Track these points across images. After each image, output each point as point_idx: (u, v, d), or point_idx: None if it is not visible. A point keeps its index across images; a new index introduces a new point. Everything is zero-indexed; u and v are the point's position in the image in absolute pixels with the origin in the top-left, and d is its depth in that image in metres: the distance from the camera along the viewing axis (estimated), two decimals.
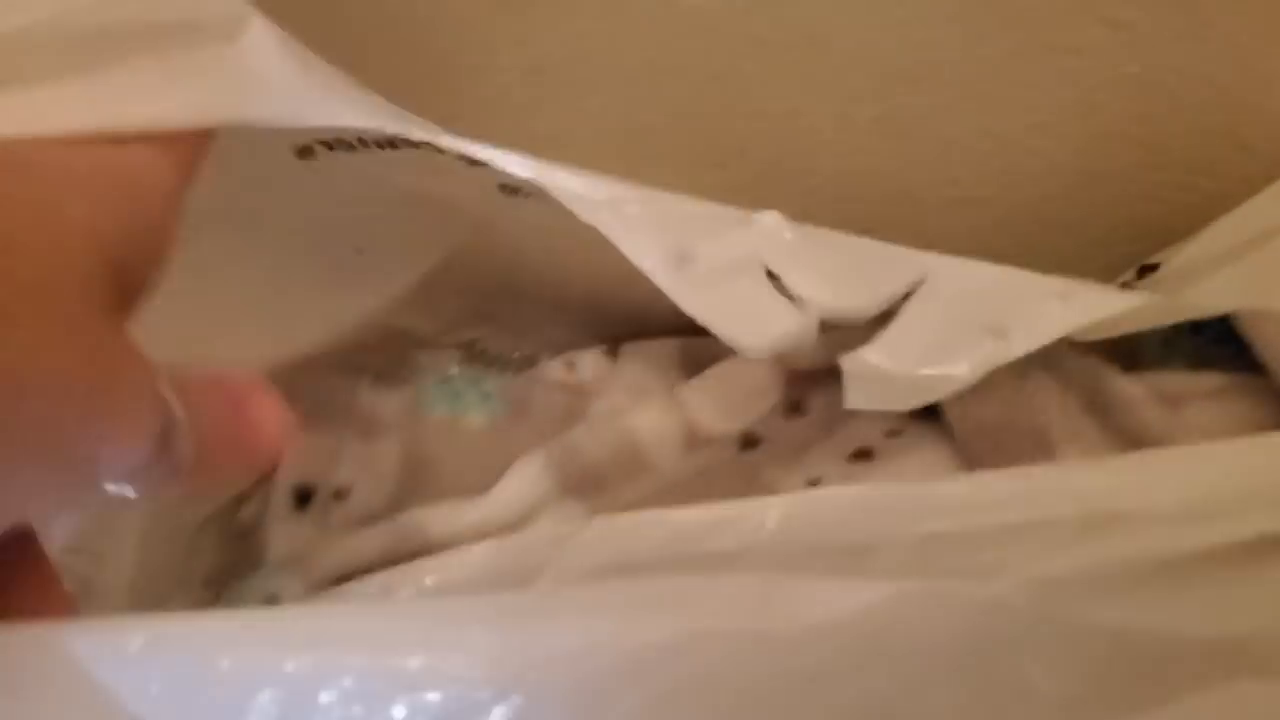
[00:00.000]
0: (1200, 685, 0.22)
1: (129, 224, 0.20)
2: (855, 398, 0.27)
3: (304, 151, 0.32)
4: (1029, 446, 0.32)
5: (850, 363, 0.27)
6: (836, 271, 0.27)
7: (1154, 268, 0.35)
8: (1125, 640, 0.22)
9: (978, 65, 0.36)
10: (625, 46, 0.39)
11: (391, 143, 0.31)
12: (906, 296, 0.27)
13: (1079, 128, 0.37)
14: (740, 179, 0.43)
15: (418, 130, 0.26)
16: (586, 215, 0.26)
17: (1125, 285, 0.36)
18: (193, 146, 0.24)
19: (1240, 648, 0.23)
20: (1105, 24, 0.34)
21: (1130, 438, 0.32)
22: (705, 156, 0.43)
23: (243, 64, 0.25)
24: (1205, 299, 0.29)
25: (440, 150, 0.31)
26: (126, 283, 0.20)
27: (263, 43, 0.26)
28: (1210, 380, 0.33)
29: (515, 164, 0.26)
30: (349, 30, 0.40)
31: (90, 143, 0.21)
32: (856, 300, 0.26)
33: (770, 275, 0.27)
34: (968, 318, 0.26)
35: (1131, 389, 0.32)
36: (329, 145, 0.31)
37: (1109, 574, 0.23)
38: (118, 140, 0.22)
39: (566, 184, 0.26)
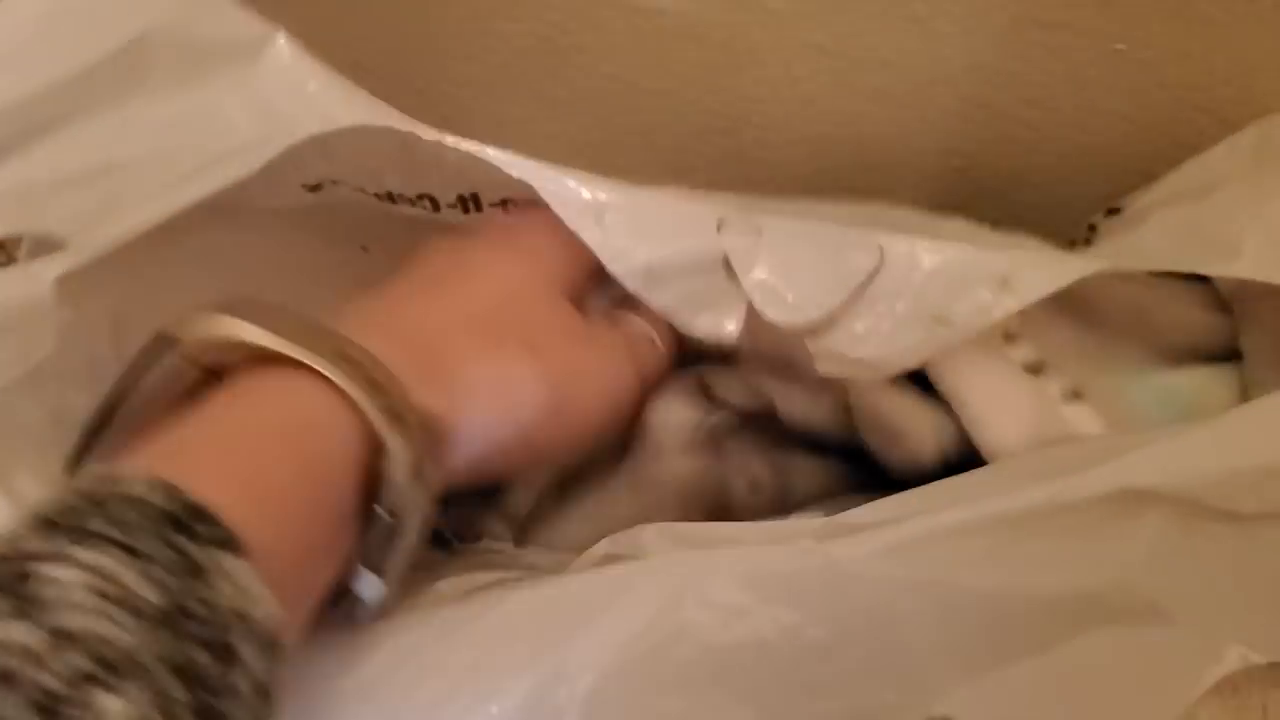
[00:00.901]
0: (1065, 636, 0.25)
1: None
2: (826, 369, 0.31)
3: (314, 188, 0.34)
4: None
5: (816, 346, 0.30)
6: (794, 280, 0.29)
7: (1118, 210, 0.37)
8: (995, 600, 0.25)
9: (973, 39, 0.38)
10: (637, 15, 0.40)
11: (390, 197, 0.34)
12: (866, 282, 0.29)
13: (1070, 102, 0.39)
14: (745, 144, 0.45)
15: (425, 131, 0.28)
16: (571, 221, 0.28)
17: (1091, 226, 0.38)
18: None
19: (1098, 600, 0.25)
20: (1095, 2, 0.36)
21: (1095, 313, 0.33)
22: (712, 123, 0.44)
23: (266, 82, 0.29)
24: (1135, 260, 0.31)
25: (436, 207, 0.33)
26: None
27: (282, 60, 0.29)
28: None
29: (512, 166, 0.29)
30: (366, 4, 0.42)
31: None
32: (808, 312, 0.29)
33: (731, 273, 0.29)
34: (917, 309, 0.29)
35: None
36: (335, 182, 0.34)
37: (974, 536, 0.25)
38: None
39: (555, 190, 0.29)
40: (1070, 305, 0.33)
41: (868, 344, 0.29)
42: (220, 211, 0.35)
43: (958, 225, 0.37)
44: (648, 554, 0.27)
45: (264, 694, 0.18)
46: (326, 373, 0.22)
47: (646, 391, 0.33)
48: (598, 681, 0.24)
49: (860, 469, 0.38)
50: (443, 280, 0.29)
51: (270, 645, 0.19)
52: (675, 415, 0.34)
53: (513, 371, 0.27)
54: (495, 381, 0.27)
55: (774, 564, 0.25)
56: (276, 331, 0.23)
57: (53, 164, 0.28)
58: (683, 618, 0.24)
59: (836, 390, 0.33)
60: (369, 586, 0.24)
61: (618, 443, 0.36)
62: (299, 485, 0.21)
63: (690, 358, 0.35)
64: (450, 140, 0.28)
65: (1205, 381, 0.33)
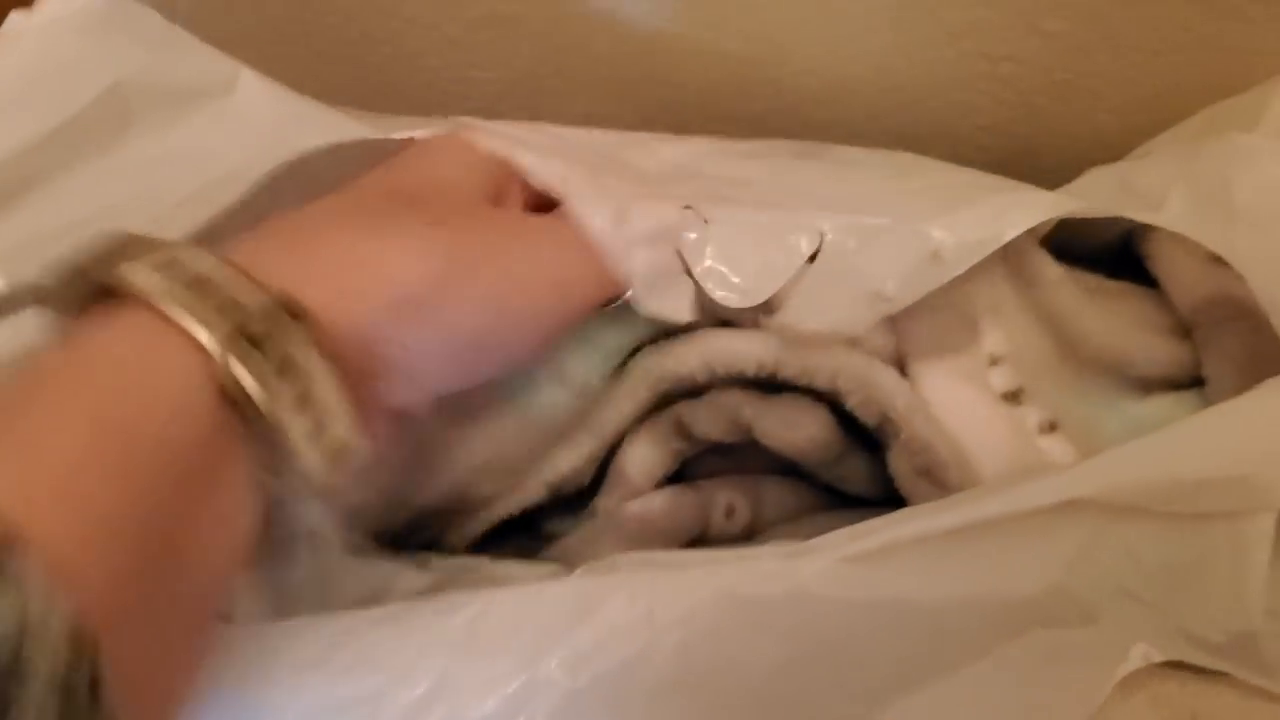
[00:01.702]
0: (1000, 641, 0.26)
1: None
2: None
3: None
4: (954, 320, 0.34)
5: (767, 322, 0.32)
6: (741, 265, 0.31)
7: None
8: (940, 612, 0.26)
9: (926, 71, 0.39)
10: (601, 61, 0.42)
11: None
12: (807, 263, 0.31)
13: (1022, 128, 0.40)
14: None
15: (397, 134, 0.30)
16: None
17: None
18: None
19: (1034, 604, 0.26)
20: (1038, 34, 0.37)
21: (1044, 313, 0.34)
22: None
23: (242, 112, 0.30)
24: (1061, 207, 0.31)
25: None
26: None
27: (254, 91, 0.31)
28: (1118, 284, 0.36)
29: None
30: (342, 56, 0.43)
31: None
32: (755, 294, 0.31)
33: (681, 258, 0.31)
34: (858, 285, 0.30)
35: (1052, 269, 0.34)
36: None
37: (925, 550, 0.26)
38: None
39: (534, 168, 0.30)
40: (1050, 327, 0.34)
41: (814, 319, 0.31)
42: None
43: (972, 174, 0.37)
44: None
45: (66, 691, 0.17)
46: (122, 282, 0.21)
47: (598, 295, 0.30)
48: (564, 696, 0.25)
49: (829, 490, 0.39)
50: (353, 185, 0.28)
51: (74, 639, 0.17)
52: (646, 454, 0.36)
53: (402, 244, 0.25)
54: (375, 255, 0.25)
55: (739, 584, 0.26)
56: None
57: (43, 217, 0.29)
58: (651, 635, 0.25)
59: (819, 414, 0.34)
60: (278, 484, 0.23)
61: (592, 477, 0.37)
62: (102, 441, 0.19)
63: (668, 398, 0.36)
64: (418, 135, 0.30)
65: (1170, 409, 0.34)
